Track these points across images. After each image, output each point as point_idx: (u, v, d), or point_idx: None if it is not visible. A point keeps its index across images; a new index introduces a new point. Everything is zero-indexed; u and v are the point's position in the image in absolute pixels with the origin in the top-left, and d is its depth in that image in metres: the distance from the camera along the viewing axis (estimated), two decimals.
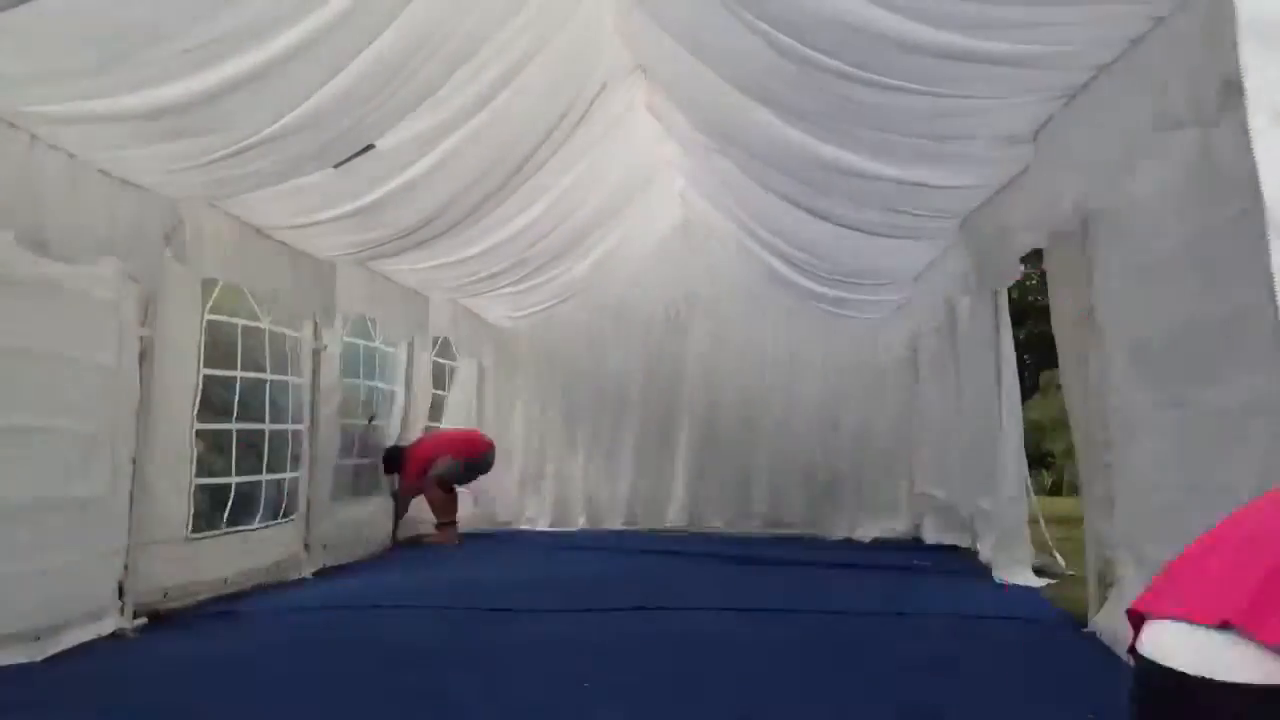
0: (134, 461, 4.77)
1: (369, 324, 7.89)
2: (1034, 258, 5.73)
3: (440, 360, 9.46)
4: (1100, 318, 4.56)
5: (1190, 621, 1.31)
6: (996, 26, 3.55)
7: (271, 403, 6.35)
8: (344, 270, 6.80)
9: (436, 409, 9.51)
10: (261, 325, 6.16)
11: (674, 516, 9.96)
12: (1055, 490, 14.84)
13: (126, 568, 4.68)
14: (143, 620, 4.72)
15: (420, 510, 8.64)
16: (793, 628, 4.93)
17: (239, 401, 6.00)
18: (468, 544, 8.47)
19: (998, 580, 6.11)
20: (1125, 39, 3.53)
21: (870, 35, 3.82)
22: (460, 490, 8.73)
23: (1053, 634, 4.70)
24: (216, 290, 5.64)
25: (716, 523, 9.83)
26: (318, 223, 5.78)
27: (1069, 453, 8.50)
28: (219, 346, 5.77)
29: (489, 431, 10.37)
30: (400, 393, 8.63)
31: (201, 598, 5.36)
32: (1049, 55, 3.77)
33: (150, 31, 3.35)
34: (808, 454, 9.83)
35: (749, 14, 4.22)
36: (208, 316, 5.57)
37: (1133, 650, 1.53)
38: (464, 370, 10.09)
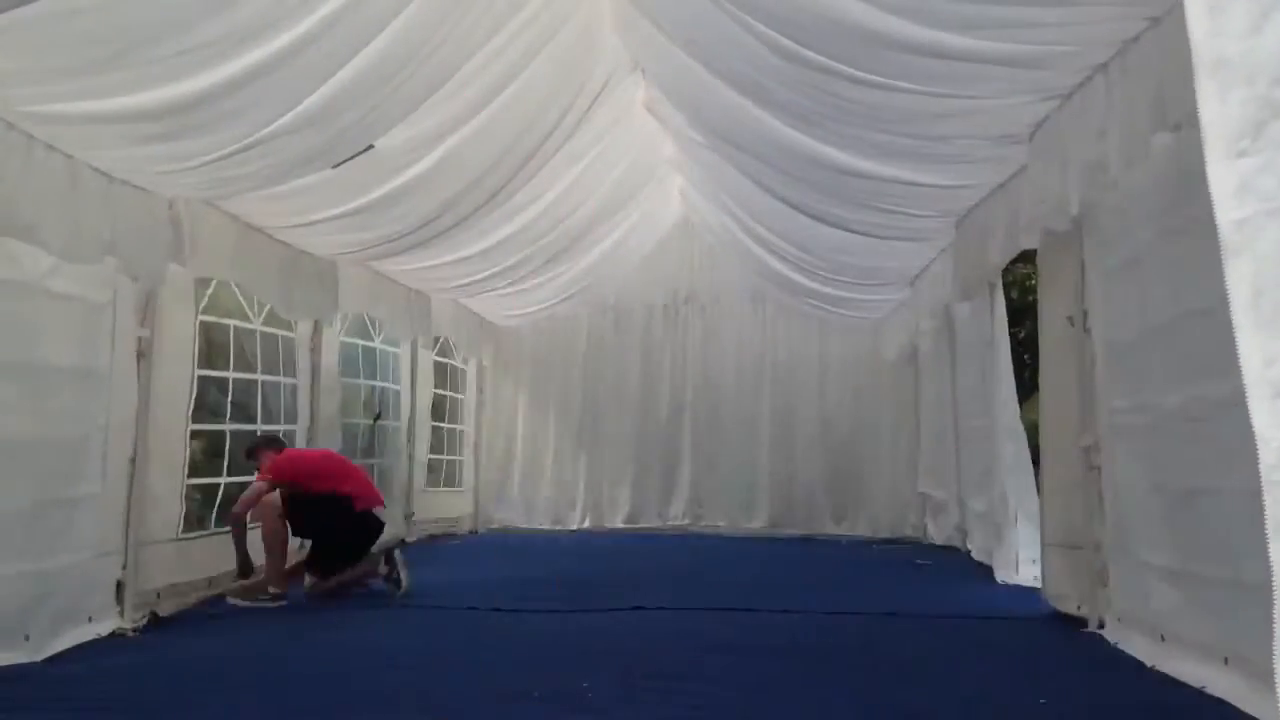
0: (132, 462, 4.79)
1: (368, 323, 7.90)
2: (1034, 257, 5.74)
3: (439, 359, 9.48)
4: (1091, 319, 4.59)
5: None
6: (992, 26, 3.56)
7: (271, 403, 6.36)
8: (345, 270, 6.81)
9: (437, 408, 9.53)
10: (252, 326, 6.16)
11: (674, 516, 9.97)
12: None
13: (125, 568, 4.69)
14: (143, 620, 4.74)
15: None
16: (793, 628, 4.93)
17: (240, 402, 6.01)
18: (468, 544, 8.44)
19: (1001, 580, 6.11)
20: (1120, 39, 3.54)
21: (866, 35, 3.83)
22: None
23: (1051, 633, 4.70)
24: (210, 290, 5.64)
25: (717, 522, 9.83)
26: (318, 222, 5.79)
27: None
28: (217, 347, 5.78)
29: (489, 431, 10.42)
30: (404, 391, 8.64)
31: (201, 598, 5.37)
32: (1044, 55, 3.78)
33: (150, 31, 3.36)
34: (808, 453, 9.85)
35: (745, 14, 4.22)
36: (205, 318, 5.58)
37: None
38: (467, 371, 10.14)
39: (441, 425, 9.66)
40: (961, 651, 4.37)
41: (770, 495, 9.84)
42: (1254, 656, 2.78)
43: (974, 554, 7.35)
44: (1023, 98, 4.20)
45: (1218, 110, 1.47)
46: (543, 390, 10.48)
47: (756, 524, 9.74)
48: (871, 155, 5.25)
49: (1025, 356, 8.57)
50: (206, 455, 5.78)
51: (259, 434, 6.02)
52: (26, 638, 3.97)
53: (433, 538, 9.06)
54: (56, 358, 4.25)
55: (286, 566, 5.54)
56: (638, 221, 9.23)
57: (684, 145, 7.61)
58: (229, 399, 5.90)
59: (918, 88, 4.18)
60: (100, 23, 3.21)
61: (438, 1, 4.20)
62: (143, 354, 4.87)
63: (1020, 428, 6.41)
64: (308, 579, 5.65)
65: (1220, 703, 3.21)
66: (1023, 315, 10.38)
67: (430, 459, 9.36)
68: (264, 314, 6.21)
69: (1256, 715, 2.90)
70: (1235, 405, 1.46)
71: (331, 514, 5.51)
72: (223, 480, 5.86)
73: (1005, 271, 6.65)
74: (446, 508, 9.67)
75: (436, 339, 9.16)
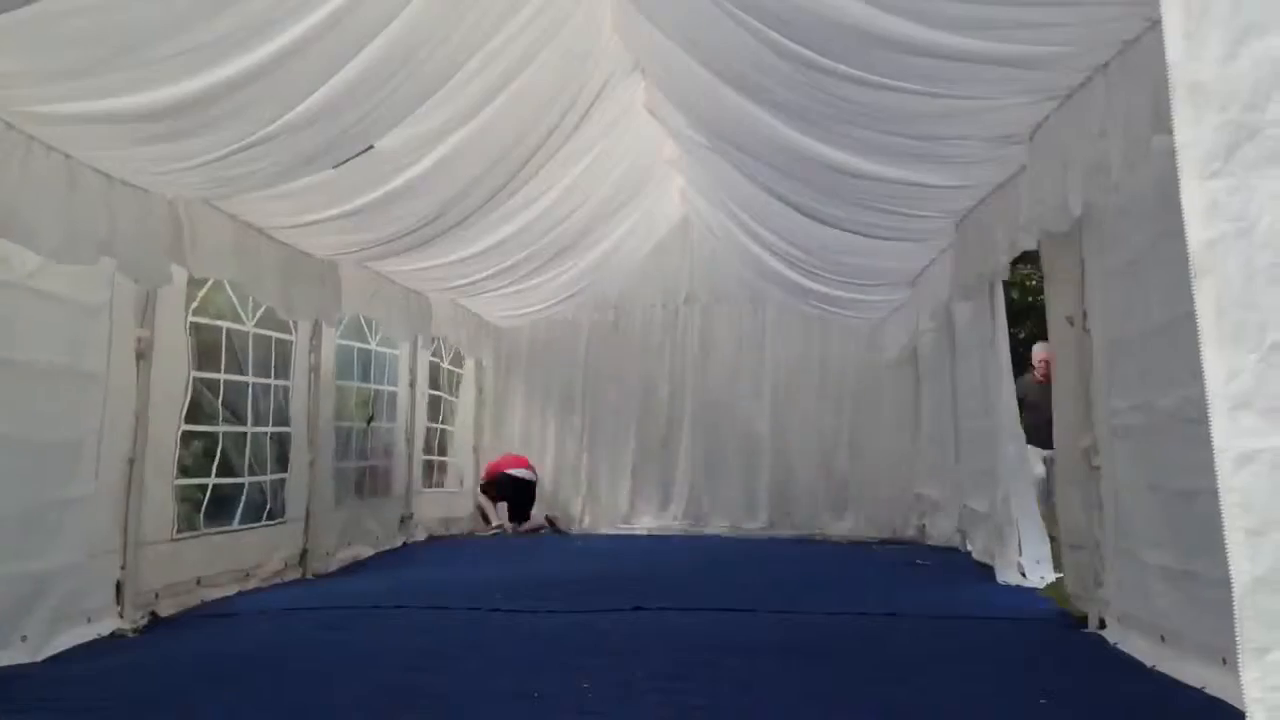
0: (131, 462, 4.79)
1: (364, 325, 7.90)
2: (1035, 258, 5.75)
3: (434, 360, 9.48)
4: (1091, 320, 4.59)
5: None
6: (993, 27, 3.56)
7: (269, 405, 6.36)
8: (346, 270, 6.81)
9: (437, 408, 9.53)
10: (244, 328, 6.15)
11: (674, 516, 9.97)
12: None
13: (124, 568, 4.69)
14: (143, 620, 4.74)
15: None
16: (793, 628, 4.93)
17: (243, 404, 6.02)
18: (468, 544, 8.48)
19: (1002, 581, 6.11)
20: (1120, 40, 3.54)
21: (866, 35, 3.83)
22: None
23: (1051, 633, 4.71)
24: (204, 291, 5.64)
25: (718, 523, 9.83)
26: (318, 222, 5.79)
27: None
28: (210, 348, 5.77)
29: (490, 430, 10.43)
30: (402, 392, 8.65)
31: (200, 598, 5.38)
32: (1045, 56, 3.78)
33: (150, 31, 3.37)
34: (808, 454, 9.85)
35: (746, 14, 4.23)
36: (196, 319, 5.57)
37: None
38: (465, 371, 10.14)
39: (441, 426, 9.67)
40: (962, 652, 4.38)
41: (770, 496, 9.84)
42: None
43: (974, 554, 7.35)
44: (1023, 98, 4.20)
45: (1192, 133, 1.53)
46: (542, 390, 10.48)
47: (756, 524, 9.73)
48: (871, 155, 5.25)
49: (1025, 356, 8.58)
50: (200, 457, 5.78)
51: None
52: (24, 638, 3.97)
53: (432, 538, 9.07)
54: (47, 358, 4.24)
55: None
56: (638, 221, 9.23)
57: (684, 145, 7.61)
58: (220, 400, 5.88)
59: (918, 88, 4.18)
60: (100, 23, 3.21)
61: (438, 2, 4.21)
62: (142, 355, 4.88)
63: (1020, 429, 6.41)
64: (509, 526, 9.70)
65: (1220, 703, 3.22)
66: (1023, 315, 10.40)
67: (429, 460, 9.37)
68: (258, 315, 6.20)
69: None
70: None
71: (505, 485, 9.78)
72: (211, 481, 5.82)
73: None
74: (446, 508, 9.67)
75: (436, 339, 9.16)
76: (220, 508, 5.88)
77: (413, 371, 8.74)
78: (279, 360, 6.52)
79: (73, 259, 4.13)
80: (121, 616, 4.62)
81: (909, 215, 6.24)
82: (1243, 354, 1.44)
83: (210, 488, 5.78)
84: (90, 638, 4.36)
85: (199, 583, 5.44)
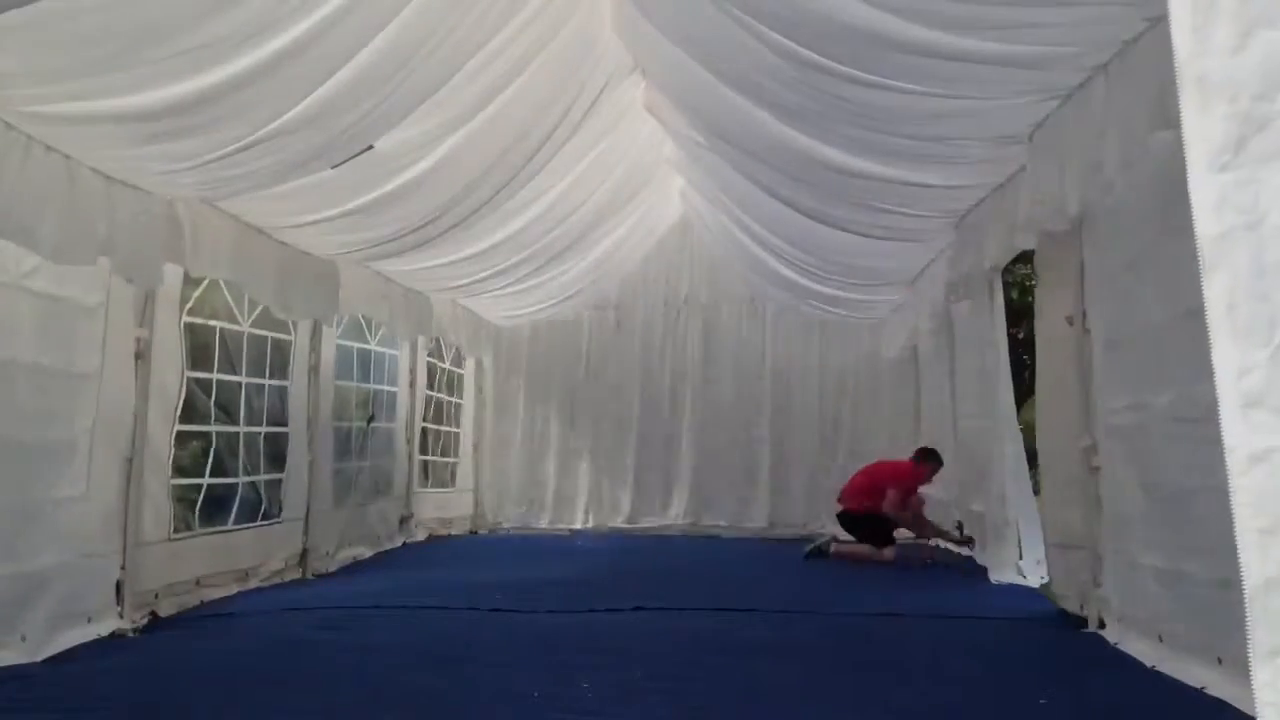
0: (129, 462, 4.78)
1: (363, 325, 7.90)
2: (1034, 258, 5.74)
3: (435, 361, 9.47)
4: (1089, 320, 4.59)
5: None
6: (992, 27, 3.56)
7: (264, 405, 6.35)
8: (346, 270, 6.80)
9: (436, 408, 9.53)
10: (239, 328, 6.14)
11: (674, 516, 9.97)
12: None
13: (124, 568, 4.69)
14: (143, 620, 4.74)
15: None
16: (793, 628, 4.94)
17: (239, 403, 6.00)
18: (467, 544, 8.46)
19: (996, 580, 6.11)
20: (1120, 40, 3.54)
21: (866, 35, 3.83)
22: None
23: (1050, 634, 4.71)
24: (199, 291, 5.62)
25: (717, 522, 9.83)
26: (318, 222, 5.79)
27: None
28: (206, 348, 5.76)
29: (488, 432, 10.43)
30: (402, 392, 8.64)
31: (200, 598, 5.37)
32: (1044, 55, 3.78)
33: (150, 31, 3.36)
34: (807, 454, 9.85)
35: (745, 14, 4.22)
36: (191, 319, 5.55)
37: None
38: (466, 371, 10.13)
39: (441, 426, 9.66)
40: (961, 652, 4.38)
41: (770, 496, 9.84)
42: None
43: (974, 555, 7.35)
44: (1022, 98, 4.20)
45: (1200, 125, 1.51)
46: (543, 391, 10.47)
47: (756, 524, 9.74)
48: (871, 155, 5.25)
49: (1025, 356, 8.58)
50: (198, 456, 5.77)
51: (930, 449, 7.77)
52: (23, 638, 3.97)
53: (432, 538, 9.07)
54: (41, 358, 4.22)
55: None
56: (638, 221, 9.23)
57: (684, 146, 7.61)
58: (212, 400, 5.86)
59: (917, 88, 4.18)
60: (100, 23, 3.20)
61: (438, 2, 4.20)
62: (140, 355, 4.88)
63: (1018, 428, 6.41)
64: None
65: (1220, 703, 3.22)
66: (1023, 315, 10.39)
67: (429, 459, 9.36)
68: (254, 315, 6.18)
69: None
70: (1209, 409, 1.51)
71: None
72: (205, 481, 5.80)
73: (1005, 271, 6.65)
74: (446, 508, 9.67)
75: (436, 339, 9.15)
76: (219, 507, 5.87)
77: (412, 371, 8.73)
78: (278, 360, 6.51)
79: (71, 259, 4.12)
80: (121, 616, 4.61)
81: (908, 215, 6.24)
82: (1254, 350, 1.42)
83: (205, 488, 5.76)
84: (90, 638, 4.35)
85: (199, 583, 5.44)
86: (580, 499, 10.20)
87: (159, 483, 5.16)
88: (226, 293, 5.91)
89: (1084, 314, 4.71)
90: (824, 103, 4.70)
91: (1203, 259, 1.48)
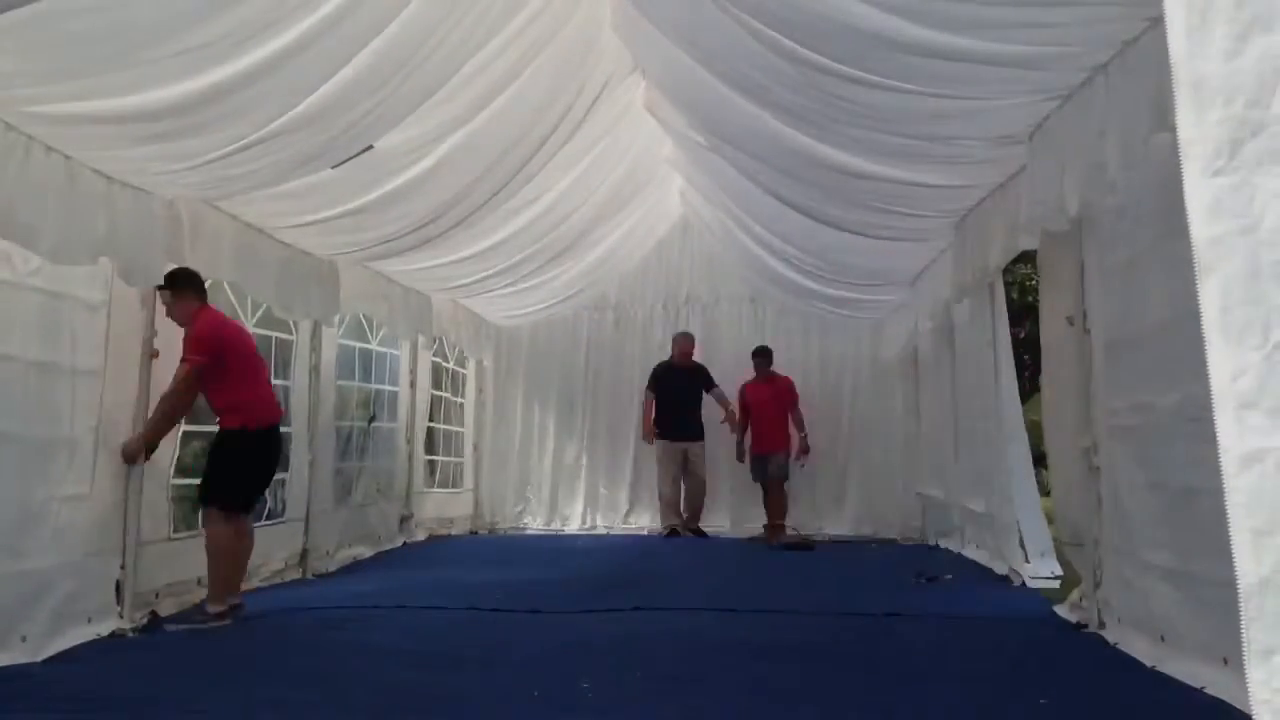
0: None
1: (365, 325, 7.89)
2: (1034, 257, 5.75)
3: (437, 360, 9.47)
4: (1090, 320, 4.59)
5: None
6: (992, 27, 3.56)
7: None
8: (346, 270, 6.81)
9: (436, 408, 9.52)
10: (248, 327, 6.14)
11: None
12: None
13: (124, 568, 4.68)
14: (143, 620, 4.74)
15: None
16: (793, 628, 4.93)
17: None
18: (466, 544, 8.45)
19: (999, 581, 6.11)
20: (1120, 40, 3.53)
21: (866, 35, 3.83)
22: None
23: (1051, 634, 4.71)
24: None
25: (719, 522, 9.83)
26: (318, 222, 5.79)
27: None
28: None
29: (488, 432, 10.43)
30: (403, 392, 8.64)
31: (200, 597, 5.37)
32: (1044, 56, 3.78)
33: (150, 31, 3.36)
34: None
35: (746, 14, 4.22)
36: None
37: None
38: (467, 370, 10.13)
39: (441, 426, 9.66)
40: (962, 652, 4.38)
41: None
42: None
43: (974, 555, 7.34)
44: (1022, 98, 4.20)
45: (1195, 130, 1.52)
46: (543, 390, 10.47)
47: (757, 524, 9.73)
48: (871, 155, 5.25)
49: (1025, 356, 8.58)
50: (200, 456, 5.76)
51: None
52: (23, 638, 3.97)
53: (432, 538, 9.07)
54: (44, 356, 4.22)
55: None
56: (638, 221, 9.23)
57: (684, 146, 7.61)
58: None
59: (918, 88, 4.18)
60: (100, 23, 3.21)
61: (438, 2, 4.20)
62: (155, 355, 4.92)
63: (1021, 428, 6.41)
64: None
65: (1221, 703, 3.22)
66: (1023, 315, 10.41)
67: (429, 459, 9.36)
68: (258, 315, 6.18)
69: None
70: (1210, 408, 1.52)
71: None
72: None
73: (1005, 271, 6.65)
74: (446, 508, 9.67)
75: (436, 339, 9.15)
76: None
77: (413, 371, 8.73)
78: (279, 360, 6.51)
79: (71, 259, 4.12)
80: (121, 616, 4.61)
81: (909, 215, 6.24)
82: (1247, 352, 1.44)
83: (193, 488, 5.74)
84: (90, 638, 4.35)
85: (199, 583, 5.43)
86: (579, 499, 10.20)
87: (159, 482, 5.16)
88: (230, 292, 5.91)
89: (1084, 314, 4.71)
90: (824, 102, 4.70)
91: (1197, 262, 1.49)
